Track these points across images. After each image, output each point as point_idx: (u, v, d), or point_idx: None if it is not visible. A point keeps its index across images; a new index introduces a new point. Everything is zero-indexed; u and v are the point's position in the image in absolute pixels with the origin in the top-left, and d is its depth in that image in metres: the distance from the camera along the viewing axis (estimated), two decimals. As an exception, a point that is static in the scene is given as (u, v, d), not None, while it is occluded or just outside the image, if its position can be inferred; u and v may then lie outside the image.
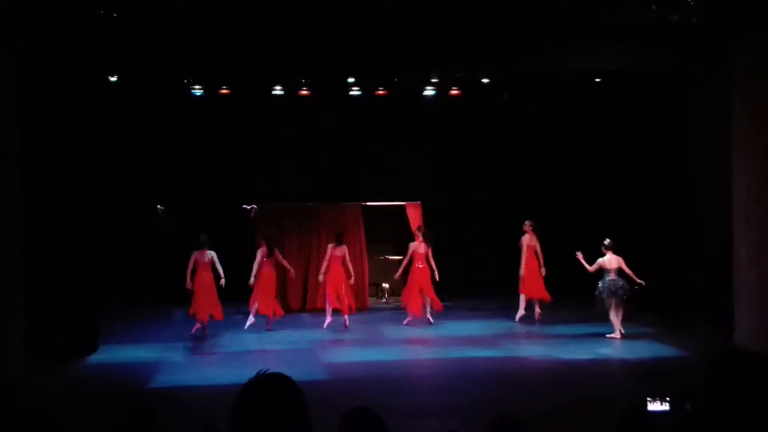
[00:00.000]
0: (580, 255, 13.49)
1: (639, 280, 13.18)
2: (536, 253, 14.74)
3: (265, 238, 14.55)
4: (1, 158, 10.46)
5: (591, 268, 13.40)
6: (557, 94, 16.54)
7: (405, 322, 14.69)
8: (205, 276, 13.62)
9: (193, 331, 13.67)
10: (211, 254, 13.67)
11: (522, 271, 14.68)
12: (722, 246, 12.54)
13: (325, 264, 14.44)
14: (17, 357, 10.54)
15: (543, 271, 14.69)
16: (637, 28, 12.17)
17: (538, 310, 14.73)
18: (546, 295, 14.71)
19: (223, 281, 13.67)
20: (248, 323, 14.01)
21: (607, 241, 13.40)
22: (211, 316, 13.67)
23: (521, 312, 14.80)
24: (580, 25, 12.37)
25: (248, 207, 16.84)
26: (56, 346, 11.43)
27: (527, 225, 14.81)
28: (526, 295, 14.79)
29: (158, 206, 17.55)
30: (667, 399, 5.45)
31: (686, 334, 13.00)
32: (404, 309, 14.89)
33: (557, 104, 17.04)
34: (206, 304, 13.52)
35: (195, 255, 13.64)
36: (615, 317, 13.21)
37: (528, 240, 14.78)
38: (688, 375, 9.07)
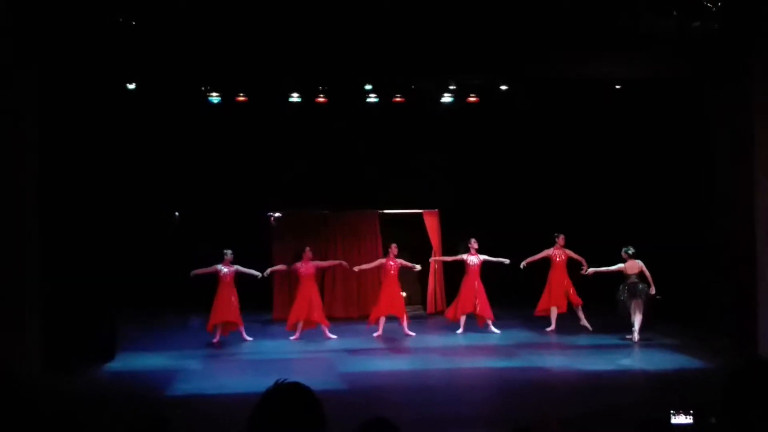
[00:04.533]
0: (591, 270, 14.17)
1: (654, 291, 13.50)
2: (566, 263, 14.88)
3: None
4: (20, 165, 10.51)
5: (611, 269, 13.82)
6: (576, 101, 16.41)
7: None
8: (227, 292, 13.72)
9: (214, 340, 13.75)
10: (236, 267, 13.88)
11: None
12: (745, 256, 12.37)
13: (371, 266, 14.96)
14: (33, 363, 10.56)
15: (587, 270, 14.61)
16: (658, 34, 12.05)
17: (584, 322, 14.74)
18: (564, 306, 14.78)
19: (263, 273, 14.13)
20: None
21: (631, 251, 13.63)
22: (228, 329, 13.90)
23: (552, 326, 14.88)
24: (600, 32, 12.27)
25: (272, 215, 16.83)
26: (73, 354, 11.42)
27: (559, 238, 14.94)
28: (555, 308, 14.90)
29: (175, 213, 17.58)
30: (691, 411, 5.36)
31: (709, 346, 12.80)
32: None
33: (576, 111, 16.90)
34: (221, 313, 13.67)
35: (217, 267, 13.77)
36: (636, 319, 13.47)
37: (552, 254, 14.84)
38: (712, 387, 8.91)
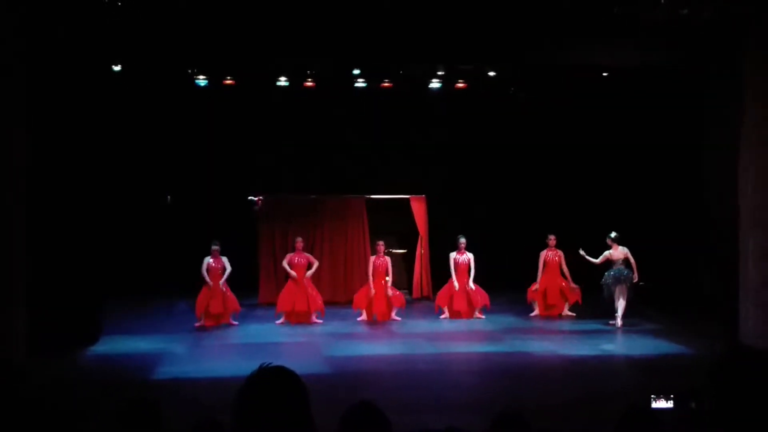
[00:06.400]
0: (582, 252, 13.98)
1: (638, 278, 13.56)
2: (561, 268, 14.84)
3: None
4: (5, 147, 10.42)
5: (597, 261, 13.87)
6: (564, 88, 16.43)
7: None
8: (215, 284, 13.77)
9: (198, 324, 13.76)
10: (224, 262, 13.88)
11: (536, 285, 14.87)
12: (730, 243, 12.46)
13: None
14: (19, 346, 10.51)
15: (569, 285, 14.68)
16: (647, 22, 12.04)
17: (567, 312, 14.85)
18: (570, 299, 14.86)
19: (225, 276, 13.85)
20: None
21: (613, 234, 13.66)
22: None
23: (536, 312, 14.96)
24: (589, 19, 12.25)
25: (254, 198, 16.77)
26: (58, 337, 11.34)
27: (551, 239, 14.91)
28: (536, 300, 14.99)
29: (167, 196, 17.47)
30: (672, 396, 5.40)
31: (692, 332, 12.93)
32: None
33: (564, 98, 16.92)
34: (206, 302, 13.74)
35: (208, 262, 13.74)
36: (619, 305, 13.57)
37: (546, 255, 14.89)
38: (693, 372, 9.00)
